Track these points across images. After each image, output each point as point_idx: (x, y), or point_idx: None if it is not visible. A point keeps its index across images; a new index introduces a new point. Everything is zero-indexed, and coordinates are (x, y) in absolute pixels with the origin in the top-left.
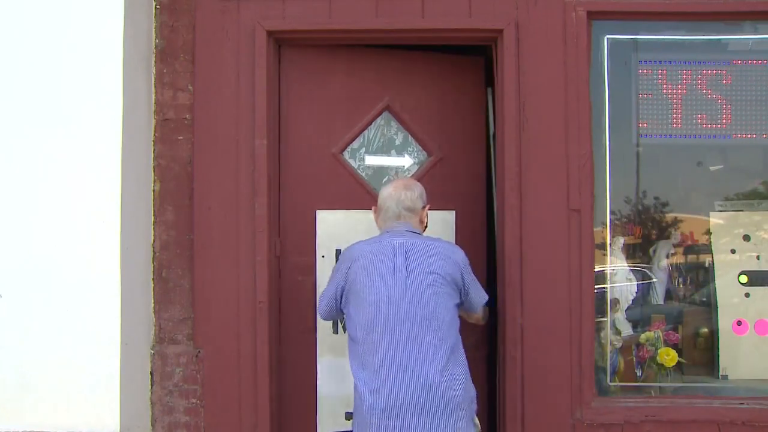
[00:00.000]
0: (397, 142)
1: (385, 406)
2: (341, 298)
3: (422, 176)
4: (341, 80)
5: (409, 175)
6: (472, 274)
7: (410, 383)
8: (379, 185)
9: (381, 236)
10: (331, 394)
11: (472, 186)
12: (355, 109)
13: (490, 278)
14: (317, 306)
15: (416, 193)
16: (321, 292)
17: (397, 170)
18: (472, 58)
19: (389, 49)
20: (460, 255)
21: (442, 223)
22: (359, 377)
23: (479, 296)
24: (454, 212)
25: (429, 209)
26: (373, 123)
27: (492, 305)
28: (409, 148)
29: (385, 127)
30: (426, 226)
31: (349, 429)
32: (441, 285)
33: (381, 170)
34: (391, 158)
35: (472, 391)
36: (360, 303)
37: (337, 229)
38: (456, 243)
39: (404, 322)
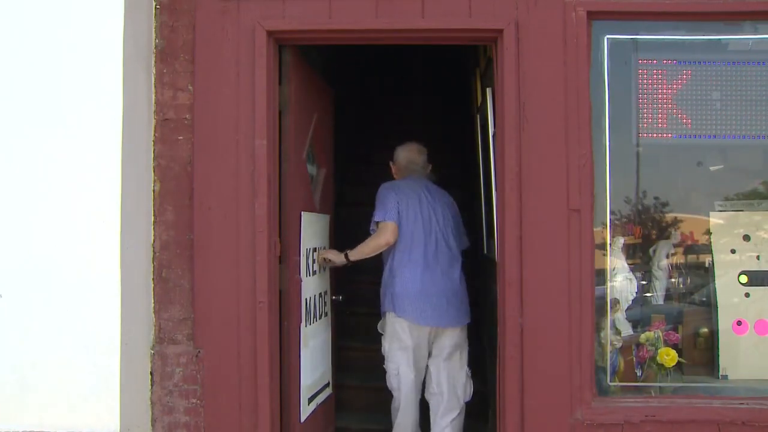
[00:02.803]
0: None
1: (429, 288)
2: (397, 210)
3: (320, 183)
4: (308, 85)
5: (314, 180)
6: (461, 220)
7: (444, 277)
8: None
9: (408, 179)
10: (305, 382)
11: (331, 195)
12: (306, 119)
13: None
14: (385, 217)
15: (424, 157)
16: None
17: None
18: (329, 88)
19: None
20: (454, 201)
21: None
22: (407, 271)
23: (464, 240)
24: (328, 216)
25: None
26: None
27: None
28: (309, 159)
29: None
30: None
31: (311, 411)
32: (451, 219)
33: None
34: (310, 166)
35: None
36: (413, 216)
37: (309, 229)
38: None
39: (442, 236)
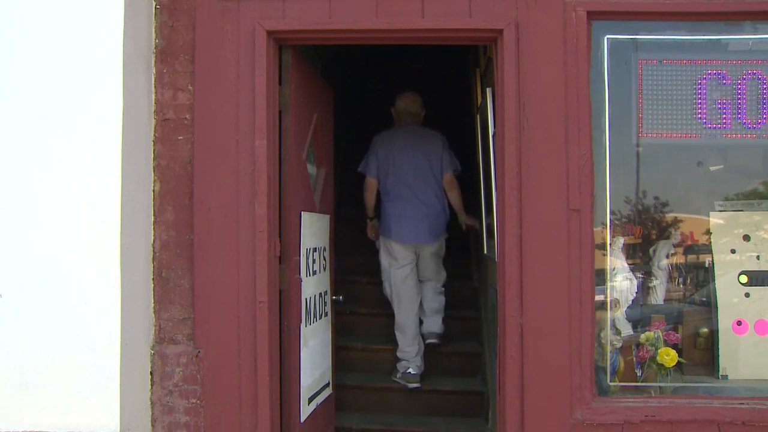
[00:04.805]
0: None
1: (404, 214)
2: (376, 162)
3: (320, 183)
4: (308, 85)
5: (313, 180)
6: (448, 149)
7: (417, 204)
8: None
9: (398, 128)
10: (305, 382)
11: (331, 195)
12: (306, 119)
13: None
14: (366, 170)
15: (418, 104)
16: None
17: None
18: (329, 88)
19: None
20: (439, 135)
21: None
22: (389, 204)
23: (451, 162)
24: (328, 216)
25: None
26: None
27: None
28: (309, 159)
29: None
30: (421, 120)
31: (310, 411)
32: (428, 155)
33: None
34: (310, 166)
35: (446, 218)
36: (388, 163)
37: (309, 229)
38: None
39: (413, 173)
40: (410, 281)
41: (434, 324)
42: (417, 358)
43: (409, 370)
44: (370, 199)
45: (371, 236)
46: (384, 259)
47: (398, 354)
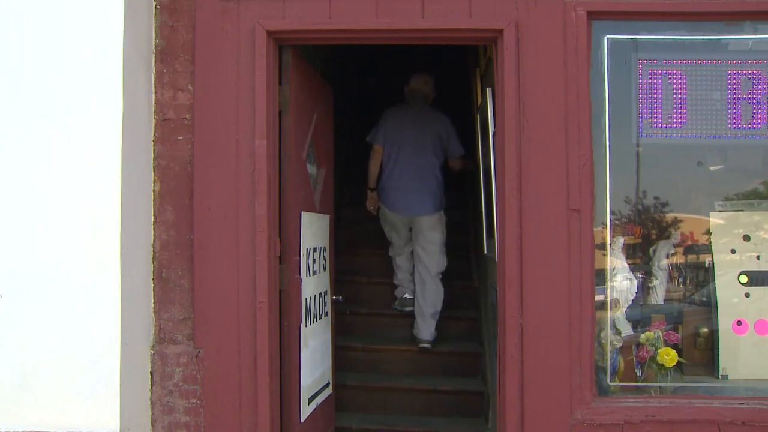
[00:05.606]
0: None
1: (401, 185)
2: (384, 132)
3: (320, 183)
4: (308, 85)
5: (313, 180)
6: (454, 133)
7: (415, 178)
8: None
9: (405, 105)
10: (305, 382)
11: (330, 195)
12: (306, 119)
13: None
14: (374, 139)
15: (430, 86)
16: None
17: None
18: (329, 88)
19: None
20: (446, 119)
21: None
22: (387, 175)
23: (456, 147)
24: (328, 216)
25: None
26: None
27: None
28: (309, 159)
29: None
30: (431, 102)
31: (310, 411)
32: (433, 135)
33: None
34: (310, 166)
35: (441, 196)
36: (394, 135)
37: (309, 229)
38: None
39: (416, 148)
40: (407, 248)
41: (428, 330)
42: (411, 284)
43: (405, 295)
44: (374, 166)
45: (370, 208)
46: (384, 226)
47: (395, 281)
